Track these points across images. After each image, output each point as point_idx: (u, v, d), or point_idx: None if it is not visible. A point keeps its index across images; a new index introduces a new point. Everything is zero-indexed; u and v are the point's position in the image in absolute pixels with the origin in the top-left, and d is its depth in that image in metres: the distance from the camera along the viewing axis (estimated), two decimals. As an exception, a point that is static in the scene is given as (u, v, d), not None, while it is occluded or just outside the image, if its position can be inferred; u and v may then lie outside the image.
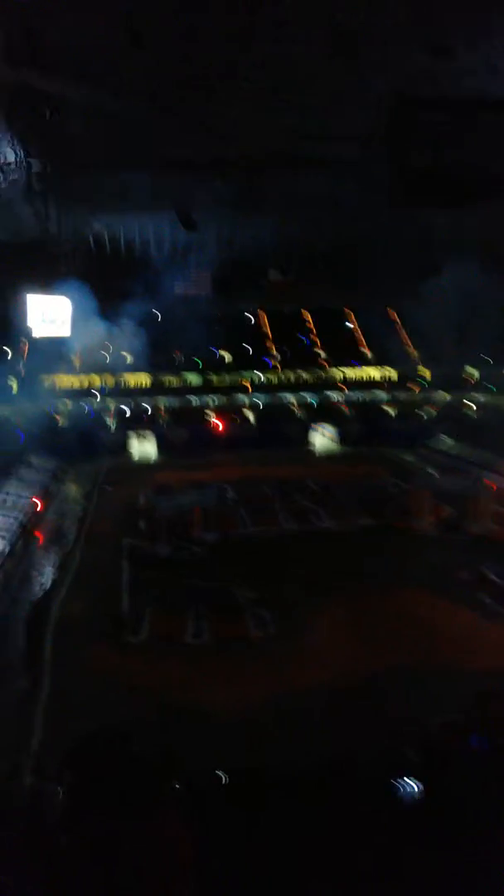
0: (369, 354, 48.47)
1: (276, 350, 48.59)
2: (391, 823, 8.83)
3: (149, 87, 22.38)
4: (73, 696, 13.44)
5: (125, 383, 44.54)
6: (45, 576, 20.78)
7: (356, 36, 17.88)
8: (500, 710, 11.42)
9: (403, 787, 9.47)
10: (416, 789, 9.39)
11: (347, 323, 50.76)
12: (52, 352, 40.79)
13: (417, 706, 12.51)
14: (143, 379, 44.96)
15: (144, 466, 38.65)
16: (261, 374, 46.57)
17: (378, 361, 47.74)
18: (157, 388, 45.06)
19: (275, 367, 47.39)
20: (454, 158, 12.63)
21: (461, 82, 21.57)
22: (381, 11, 17.39)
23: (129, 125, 25.92)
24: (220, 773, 9.60)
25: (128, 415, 43.66)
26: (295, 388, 46.30)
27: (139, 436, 42.31)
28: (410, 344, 47.67)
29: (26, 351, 42.91)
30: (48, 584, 20.01)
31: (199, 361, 46.20)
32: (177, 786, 9.42)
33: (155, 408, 44.42)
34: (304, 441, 43.26)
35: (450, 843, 8.63)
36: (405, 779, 9.50)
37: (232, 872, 7.68)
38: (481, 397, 43.31)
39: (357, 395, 46.21)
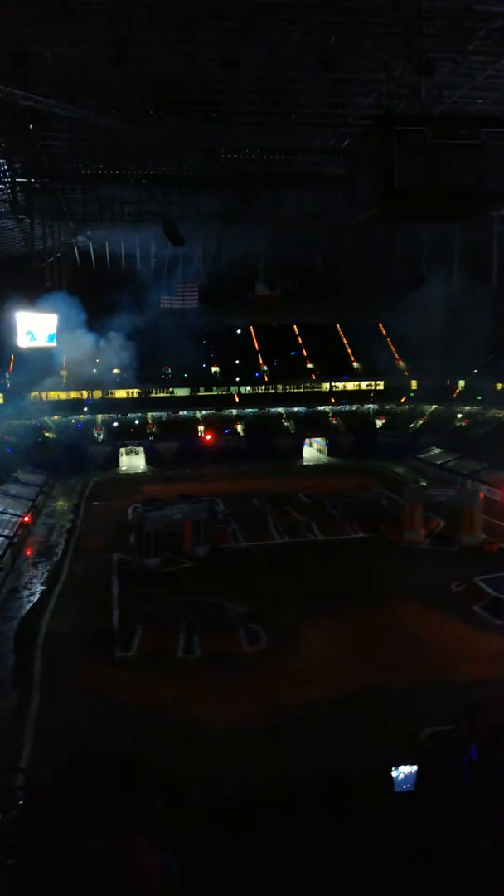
0: (358, 367, 48.66)
1: (265, 363, 48.67)
2: (384, 836, 8.77)
3: (136, 104, 22.56)
4: (63, 713, 13.29)
5: (113, 396, 44.43)
6: (34, 591, 20.64)
7: (340, 54, 18.15)
8: (489, 721, 11.40)
9: (396, 798, 9.41)
10: (408, 799, 9.34)
11: (336, 336, 50.97)
12: (40, 366, 40.63)
13: (409, 718, 12.48)
14: (131, 392, 44.88)
15: (133, 479, 38.52)
16: (250, 387, 46.63)
17: (367, 374, 47.94)
18: (145, 401, 44.97)
19: (264, 380, 47.43)
20: (438, 174, 12.66)
21: (443, 98, 21.97)
22: (365, 30, 17.72)
23: (116, 141, 26.09)
24: (212, 790, 9.50)
25: (116, 428, 43.53)
26: (284, 400, 46.36)
27: (128, 449, 42.22)
28: (399, 356, 47.89)
29: (13, 364, 42.70)
30: (37, 600, 19.89)
31: (187, 374, 46.20)
32: (168, 804, 9.30)
33: (143, 421, 44.33)
34: (295, 453, 43.34)
35: (443, 851, 8.61)
36: (397, 790, 9.45)
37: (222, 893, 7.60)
38: (468, 408, 43.54)
39: (346, 408, 46.38)
